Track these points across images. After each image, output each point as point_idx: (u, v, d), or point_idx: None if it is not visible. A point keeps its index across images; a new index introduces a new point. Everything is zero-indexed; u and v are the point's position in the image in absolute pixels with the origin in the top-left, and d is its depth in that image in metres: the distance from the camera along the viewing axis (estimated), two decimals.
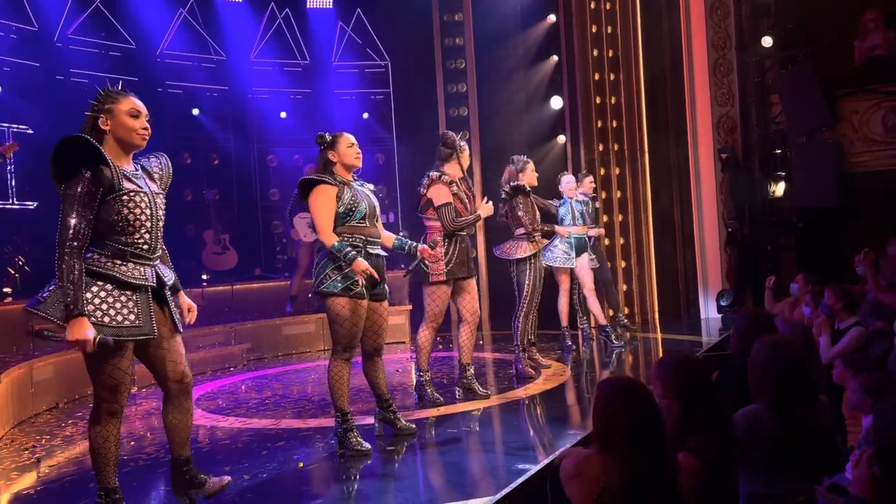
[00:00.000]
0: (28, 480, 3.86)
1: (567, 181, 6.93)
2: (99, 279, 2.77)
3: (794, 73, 8.31)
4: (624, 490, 1.93)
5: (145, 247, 2.87)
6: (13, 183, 7.61)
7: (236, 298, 8.38)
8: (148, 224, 2.86)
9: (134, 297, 2.82)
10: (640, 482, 1.93)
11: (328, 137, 3.95)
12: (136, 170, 2.95)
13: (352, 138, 3.96)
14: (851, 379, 3.06)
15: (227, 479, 3.15)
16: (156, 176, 3.04)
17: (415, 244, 4.22)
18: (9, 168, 7.49)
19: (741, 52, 8.84)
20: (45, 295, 2.75)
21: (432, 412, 4.70)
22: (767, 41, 8.65)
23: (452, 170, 4.93)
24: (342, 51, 10.17)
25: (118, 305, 2.77)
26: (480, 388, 5.02)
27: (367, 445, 3.87)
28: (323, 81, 10.07)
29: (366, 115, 10.15)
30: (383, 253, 4.03)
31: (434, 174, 4.88)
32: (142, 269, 2.85)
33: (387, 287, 4.05)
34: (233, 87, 9.70)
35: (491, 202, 5.04)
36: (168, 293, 3.01)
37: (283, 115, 9.96)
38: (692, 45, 9.06)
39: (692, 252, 9.16)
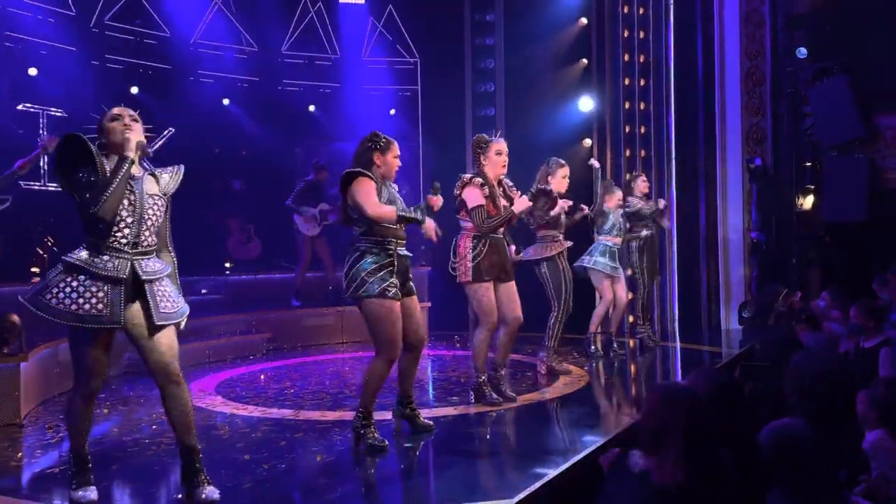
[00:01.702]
0: (51, 459, 3.93)
1: (617, 196, 6.85)
2: (73, 271, 2.95)
3: (828, 85, 8.20)
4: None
5: (124, 241, 2.98)
6: (44, 165, 7.72)
7: (259, 288, 8.45)
8: (129, 220, 2.98)
9: (105, 289, 2.94)
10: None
11: (383, 140, 3.96)
12: (141, 173, 3.07)
13: (398, 149, 4.00)
14: (862, 390, 3.01)
15: (217, 498, 3.09)
16: (162, 182, 3.15)
17: (422, 204, 4.06)
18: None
19: (775, 61, 8.74)
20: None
21: (451, 411, 4.71)
22: (802, 52, 8.54)
23: (490, 171, 4.84)
24: (372, 46, 10.21)
25: (87, 295, 2.93)
26: (495, 394, 4.86)
27: (385, 442, 3.88)
28: (352, 76, 10.10)
29: (393, 112, 10.17)
30: (409, 253, 4.07)
31: (466, 176, 4.84)
32: (116, 262, 2.96)
33: (412, 284, 4.10)
34: (263, 78, 9.76)
35: (526, 196, 4.98)
36: (155, 287, 3.04)
37: (311, 108, 10.01)
38: (725, 54, 8.97)
39: (715, 262, 9.07)
